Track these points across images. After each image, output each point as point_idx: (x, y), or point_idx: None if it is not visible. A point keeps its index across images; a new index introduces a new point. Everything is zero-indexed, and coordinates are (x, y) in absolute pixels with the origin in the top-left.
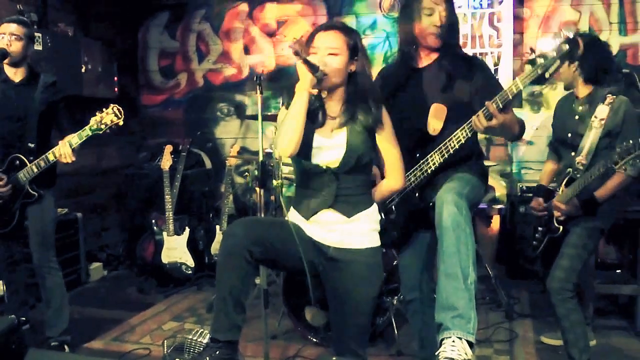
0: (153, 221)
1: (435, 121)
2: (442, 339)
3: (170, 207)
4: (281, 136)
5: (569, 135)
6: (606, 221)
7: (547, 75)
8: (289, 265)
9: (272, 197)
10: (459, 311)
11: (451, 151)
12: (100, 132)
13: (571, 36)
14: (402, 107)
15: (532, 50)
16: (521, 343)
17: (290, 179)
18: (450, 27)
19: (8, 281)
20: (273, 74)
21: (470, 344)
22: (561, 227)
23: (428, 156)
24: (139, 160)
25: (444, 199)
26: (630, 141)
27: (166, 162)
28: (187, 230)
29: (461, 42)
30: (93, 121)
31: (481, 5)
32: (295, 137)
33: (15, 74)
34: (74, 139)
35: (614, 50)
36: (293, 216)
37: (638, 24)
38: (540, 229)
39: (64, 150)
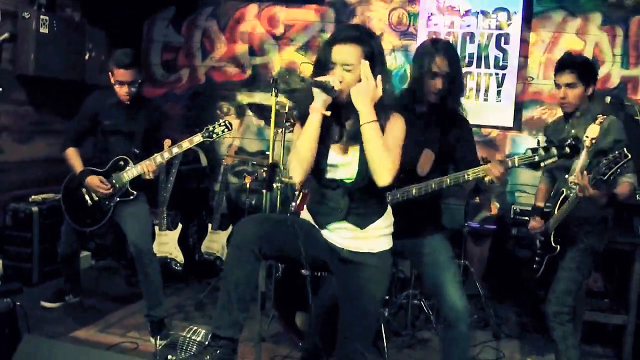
0: None
1: (424, 164)
2: None
3: (164, 201)
4: (293, 161)
5: None
6: (598, 242)
7: (542, 164)
8: (296, 261)
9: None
10: None
11: (429, 191)
12: (210, 140)
13: (573, 143)
14: None
15: (532, 78)
16: None
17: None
18: (452, 87)
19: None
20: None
21: None
22: (558, 247)
23: (407, 187)
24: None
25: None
26: (617, 152)
27: None
28: (180, 226)
29: (465, 67)
30: (205, 130)
31: (489, 26)
32: (305, 163)
33: (127, 97)
34: (185, 143)
35: (615, 82)
36: (307, 218)
37: None
38: (539, 251)
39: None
